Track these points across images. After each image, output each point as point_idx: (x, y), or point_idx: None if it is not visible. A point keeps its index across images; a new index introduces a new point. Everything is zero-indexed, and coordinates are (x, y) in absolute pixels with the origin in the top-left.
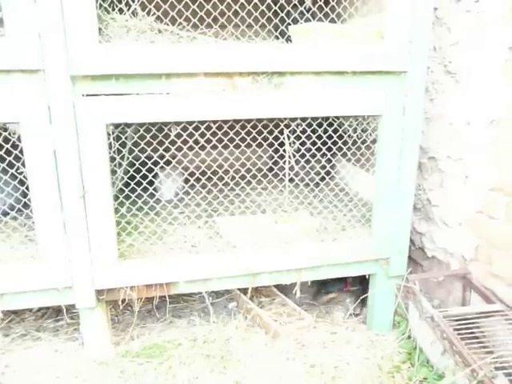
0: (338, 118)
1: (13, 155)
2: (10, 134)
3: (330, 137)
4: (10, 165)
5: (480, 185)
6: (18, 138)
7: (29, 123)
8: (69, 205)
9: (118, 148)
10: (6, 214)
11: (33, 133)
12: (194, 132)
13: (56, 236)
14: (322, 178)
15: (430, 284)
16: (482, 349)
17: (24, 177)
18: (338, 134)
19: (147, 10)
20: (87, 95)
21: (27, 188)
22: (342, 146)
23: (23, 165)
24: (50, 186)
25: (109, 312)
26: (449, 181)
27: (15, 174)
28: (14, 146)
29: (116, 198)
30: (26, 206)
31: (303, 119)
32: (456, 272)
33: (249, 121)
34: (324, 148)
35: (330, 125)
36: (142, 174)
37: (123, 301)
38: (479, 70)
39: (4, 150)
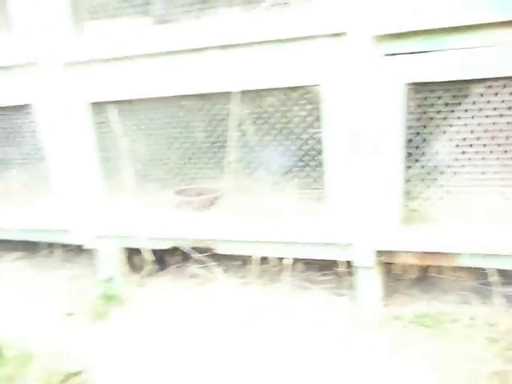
0: None
1: None
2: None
3: None
4: None
5: None
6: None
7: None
8: (360, 165)
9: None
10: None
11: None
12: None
13: (344, 195)
14: None
15: None
16: None
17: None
18: None
19: None
20: (388, 55)
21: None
22: None
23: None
24: (342, 144)
25: (385, 274)
26: None
27: None
28: None
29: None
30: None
31: None
32: None
33: None
34: None
35: None
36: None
37: (400, 265)
38: None
39: None
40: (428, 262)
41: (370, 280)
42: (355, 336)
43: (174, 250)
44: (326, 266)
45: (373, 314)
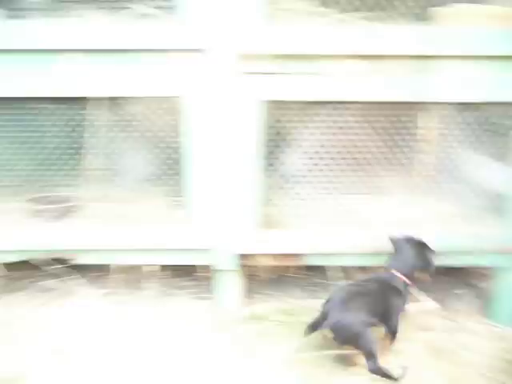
0: (483, 104)
1: None
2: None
3: (469, 123)
4: None
5: None
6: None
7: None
8: (219, 173)
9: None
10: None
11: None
12: (332, 112)
13: (203, 202)
14: (455, 165)
15: None
16: None
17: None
18: (479, 120)
19: None
20: (250, 73)
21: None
22: (481, 133)
23: None
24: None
25: (244, 276)
26: None
27: None
28: None
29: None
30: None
31: (447, 104)
32: None
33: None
34: (462, 134)
35: (474, 111)
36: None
37: (256, 267)
38: None
39: None
40: (282, 262)
41: (230, 282)
42: (215, 336)
43: (28, 263)
44: (191, 272)
45: (234, 315)
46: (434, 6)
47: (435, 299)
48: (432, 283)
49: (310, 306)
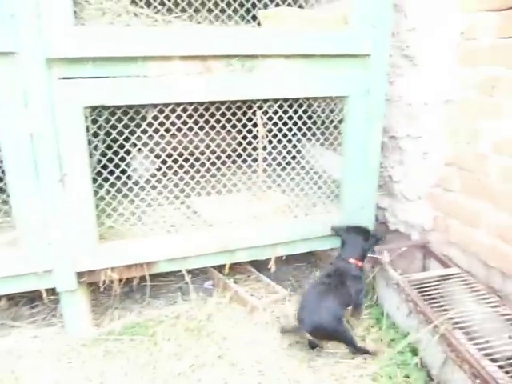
0: (307, 99)
1: None
2: None
3: (300, 117)
4: None
5: (437, 160)
6: None
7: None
8: (47, 188)
9: (95, 131)
10: None
11: (9, 116)
12: (170, 114)
13: (35, 220)
14: (293, 157)
15: (393, 255)
16: (441, 308)
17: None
18: (307, 114)
19: None
20: (64, 78)
21: (3, 172)
22: (312, 125)
23: None
24: (27, 170)
25: (89, 294)
26: (408, 158)
27: None
28: None
29: (94, 180)
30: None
31: (275, 100)
32: (417, 242)
33: (223, 102)
34: (295, 128)
35: (301, 106)
36: (120, 156)
37: (104, 282)
38: (434, 53)
39: None
40: (129, 274)
41: (76, 303)
42: (61, 364)
43: None
44: (34, 298)
45: (85, 335)
46: (256, 8)
47: (292, 286)
48: (286, 271)
49: (168, 313)
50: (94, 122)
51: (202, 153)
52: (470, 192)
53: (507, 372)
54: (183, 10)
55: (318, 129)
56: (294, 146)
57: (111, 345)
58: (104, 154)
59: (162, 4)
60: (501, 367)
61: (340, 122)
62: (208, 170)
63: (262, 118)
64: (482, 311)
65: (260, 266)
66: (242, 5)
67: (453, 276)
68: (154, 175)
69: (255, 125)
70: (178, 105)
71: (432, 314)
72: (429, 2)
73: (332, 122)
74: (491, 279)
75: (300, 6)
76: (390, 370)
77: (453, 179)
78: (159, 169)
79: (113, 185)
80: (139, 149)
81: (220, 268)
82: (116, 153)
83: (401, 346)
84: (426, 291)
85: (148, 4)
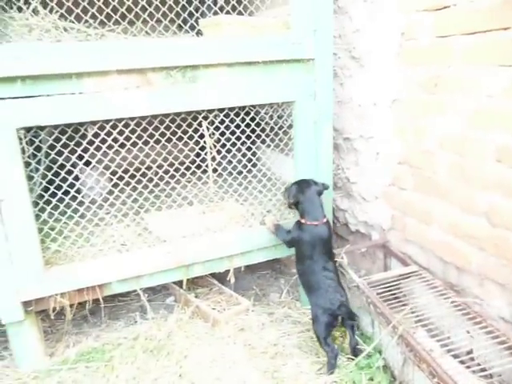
0: (254, 106)
1: None
2: None
3: (248, 125)
4: None
5: (389, 160)
6: None
7: None
8: None
9: (32, 152)
10: None
11: None
12: (111, 130)
13: None
14: (245, 166)
15: (355, 256)
16: (401, 308)
17: None
18: (255, 121)
19: (49, 7)
20: None
21: None
22: (261, 133)
23: None
24: None
25: (40, 323)
26: (363, 159)
27: None
28: None
29: (36, 204)
30: None
31: (221, 110)
32: (376, 242)
33: (167, 115)
34: (243, 136)
35: (248, 113)
36: (61, 177)
37: (54, 309)
38: (379, 54)
39: None
40: (81, 298)
41: (24, 333)
42: None
43: None
44: None
45: (37, 367)
46: (193, 17)
47: (256, 296)
48: (250, 280)
49: (127, 335)
50: (31, 143)
51: (149, 168)
52: (422, 190)
53: (468, 367)
54: (117, 23)
55: (267, 136)
56: (244, 155)
57: (65, 374)
58: (44, 176)
59: (94, 18)
60: (462, 362)
61: (289, 127)
62: (156, 185)
63: (208, 129)
64: (440, 308)
65: (222, 277)
66: (178, 15)
67: (411, 274)
68: (100, 194)
69: (202, 136)
70: (119, 120)
71: (391, 315)
72: (371, 4)
73: (281, 127)
74: (447, 275)
75: (239, 13)
76: (354, 375)
77: (406, 177)
78: (104, 187)
79: (56, 207)
80: (81, 168)
81: (181, 283)
82: (57, 174)
83: (366, 351)
84: (386, 292)
85: (78, 18)
